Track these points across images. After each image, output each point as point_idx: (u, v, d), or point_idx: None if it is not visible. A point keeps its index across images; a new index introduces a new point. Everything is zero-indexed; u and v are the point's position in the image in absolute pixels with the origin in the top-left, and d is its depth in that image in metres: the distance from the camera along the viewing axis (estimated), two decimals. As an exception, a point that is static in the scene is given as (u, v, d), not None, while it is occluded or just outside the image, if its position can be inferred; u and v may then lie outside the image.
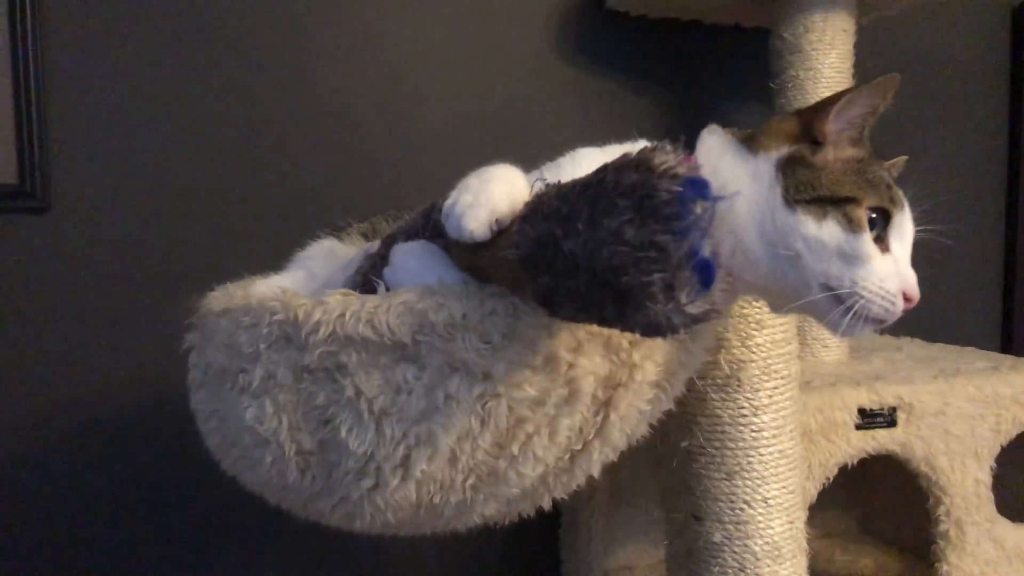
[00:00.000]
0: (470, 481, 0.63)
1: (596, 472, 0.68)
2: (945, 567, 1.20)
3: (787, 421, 0.83)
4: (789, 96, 1.28)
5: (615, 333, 0.61)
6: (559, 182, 0.53)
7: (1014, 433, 1.23)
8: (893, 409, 1.14)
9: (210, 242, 1.24)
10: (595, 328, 0.60)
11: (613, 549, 1.34)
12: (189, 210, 1.23)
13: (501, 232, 0.55)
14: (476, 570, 1.40)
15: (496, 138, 1.36)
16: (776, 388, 0.82)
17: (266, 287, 0.74)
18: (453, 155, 1.34)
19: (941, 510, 1.19)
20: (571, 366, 0.60)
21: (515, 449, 0.62)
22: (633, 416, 0.66)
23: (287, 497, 0.69)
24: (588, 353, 0.60)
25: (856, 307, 0.60)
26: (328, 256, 0.81)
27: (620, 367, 0.62)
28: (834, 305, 0.61)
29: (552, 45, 1.40)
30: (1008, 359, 1.32)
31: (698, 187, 0.44)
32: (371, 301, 0.59)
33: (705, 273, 0.44)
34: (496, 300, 0.58)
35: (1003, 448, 1.23)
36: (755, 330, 0.80)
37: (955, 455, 1.18)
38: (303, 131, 1.27)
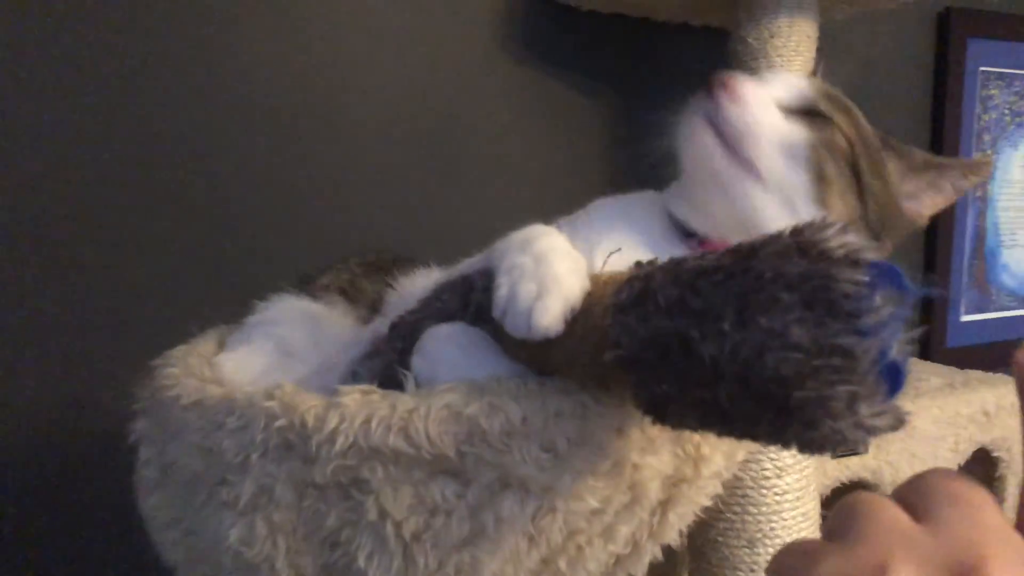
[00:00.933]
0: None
1: (641, 574, 0.59)
2: (907, 589, 1.18)
3: (809, 481, 0.76)
4: (751, 104, 1.22)
5: (688, 428, 0.52)
6: (659, 262, 0.43)
7: (970, 452, 1.22)
8: (864, 435, 1.11)
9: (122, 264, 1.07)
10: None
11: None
12: (90, 225, 1.06)
13: (575, 319, 0.45)
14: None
15: (441, 135, 1.25)
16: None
17: (236, 366, 0.60)
18: (397, 154, 1.22)
19: (905, 533, 1.17)
20: (637, 468, 0.50)
21: (563, 564, 0.52)
22: (691, 513, 0.57)
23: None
24: (658, 451, 0.51)
25: None
26: (304, 322, 0.66)
27: (685, 461, 0.53)
28: None
29: (499, 39, 1.29)
30: (958, 374, 1.32)
31: (890, 275, 0.35)
32: (403, 403, 0.47)
33: (895, 379, 0.36)
34: (562, 399, 0.47)
35: (959, 467, 1.22)
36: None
37: (920, 478, 1.16)
38: (231, 134, 1.11)
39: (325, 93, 1.16)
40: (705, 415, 0.39)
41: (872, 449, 1.12)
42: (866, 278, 0.35)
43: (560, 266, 0.46)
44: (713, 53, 1.44)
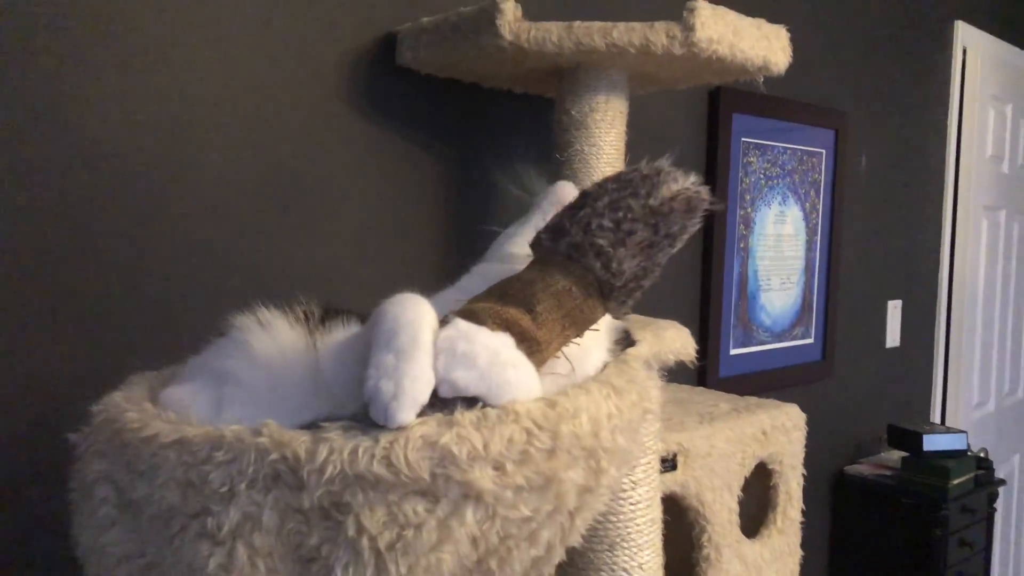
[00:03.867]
0: (440, 598, 0.62)
1: (550, 574, 0.70)
2: (706, 586, 1.38)
3: (655, 492, 0.91)
4: (575, 168, 1.39)
5: (600, 446, 0.64)
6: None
7: (753, 466, 1.45)
8: (675, 455, 1.30)
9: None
10: (587, 443, 0.62)
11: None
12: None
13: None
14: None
15: (287, 186, 1.30)
16: (648, 464, 0.90)
17: (183, 403, 0.65)
18: (244, 203, 1.25)
19: (704, 537, 1.37)
20: (561, 482, 0.62)
21: (494, 564, 0.63)
22: (591, 518, 0.69)
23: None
24: (576, 467, 0.63)
25: None
26: (247, 355, 0.70)
27: (592, 474, 0.65)
28: None
29: (346, 97, 1.37)
30: (740, 400, 1.56)
31: None
32: (384, 436, 0.55)
33: None
34: (513, 428, 0.58)
35: (745, 479, 1.45)
36: (633, 411, 0.88)
37: (716, 489, 1.37)
38: (79, 183, 1.09)
39: (174, 144, 1.17)
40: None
41: (680, 468, 1.31)
42: None
43: (415, 365, 0.57)
44: (538, 118, 1.62)
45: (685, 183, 0.66)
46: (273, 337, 0.68)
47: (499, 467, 0.58)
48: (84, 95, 1.09)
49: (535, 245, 0.67)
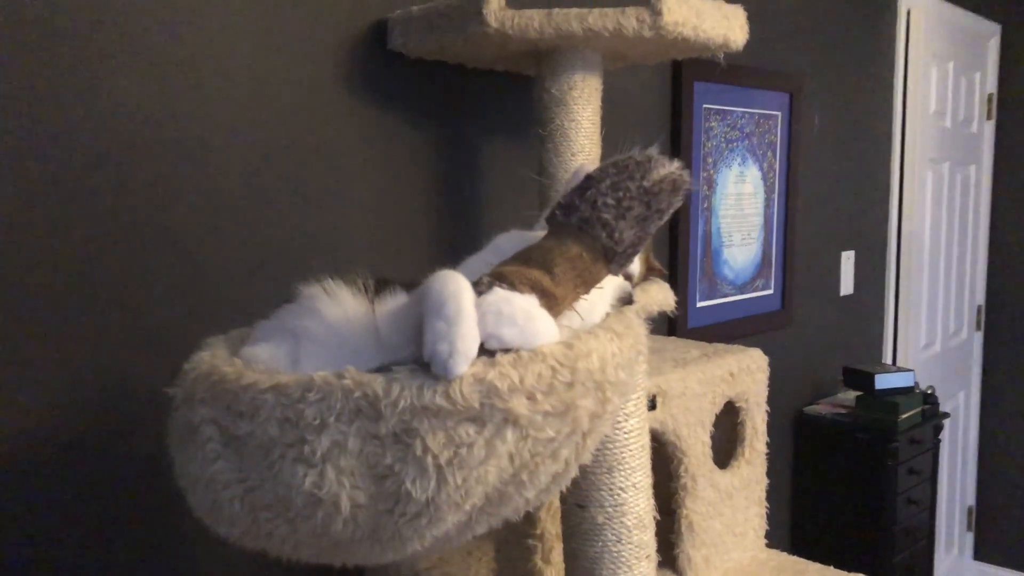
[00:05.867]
0: (480, 504, 0.77)
1: (565, 488, 0.86)
2: (684, 511, 1.56)
3: (644, 423, 1.07)
4: (556, 142, 1.52)
5: (606, 379, 0.79)
6: None
7: (722, 404, 1.63)
8: (654, 396, 1.46)
9: None
10: (597, 377, 0.78)
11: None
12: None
13: None
14: None
15: (285, 168, 1.40)
16: (638, 398, 1.06)
17: (266, 357, 0.79)
18: (240, 187, 1.35)
19: (682, 468, 1.54)
20: (577, 408, 0.77)
21: (525, 477, 0.78)
22: (599, 441, 0.85)
23: (312, 547, 0.77)
24: (588, 396, 0.78)
25: None
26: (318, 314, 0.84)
27: (599, 403, 0.81)
28: None
29: (338, 81, 1.49)
30: (708, 347, 1.73)
31: None
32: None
33: None
34: (540, 364, 0.73)
35: (716, 417, 1.62)
36: (624, 355, 1.03)
37: (691, 426, 1.54)
38: (100, 175, 1.19)
39: (176, 129, 1.27)
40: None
41: (659, 407, 1.47)
42: None
43: (463, 328, 0.71)
44: (519, 95, 1.75)
45: (671, 167, 0.81)
46: (338, 302, 0.82)
47: (531, 397, 0.73)
48: (91, 89, 1.18)
49: (550, 219, 0.82)
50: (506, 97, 1.75)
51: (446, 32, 1.45)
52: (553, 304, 0.77)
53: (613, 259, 0.79)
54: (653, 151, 0.83)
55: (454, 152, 1.67)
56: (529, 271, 0.76)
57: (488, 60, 1.62)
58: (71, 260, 1.17)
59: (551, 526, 1.28)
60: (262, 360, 0.81)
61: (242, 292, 1.35)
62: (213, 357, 0.81)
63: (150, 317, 1.25)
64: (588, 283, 0.79)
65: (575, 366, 0.75)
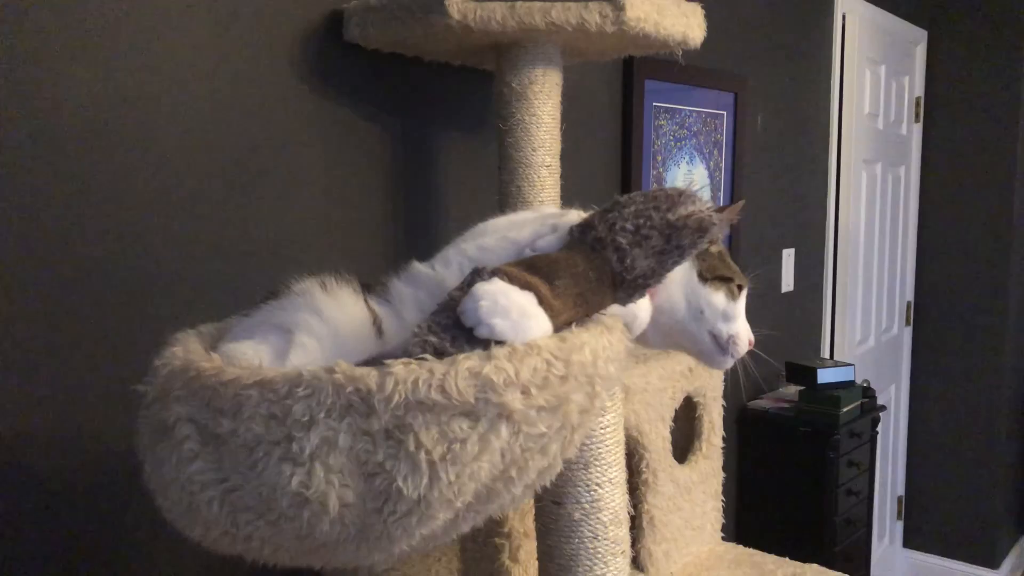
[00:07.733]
0: (470, 501, 0.76)
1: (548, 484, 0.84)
2: (645, 506, 1.56)
3: (619, 418, 1.07)
4: (516, 137, 1.51)
5: (597, 373, 0.78)
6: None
7: (681, 399, 1.64)
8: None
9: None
10: (589, 371, 0.76)
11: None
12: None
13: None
14: None
15: (240, 162, 1.36)
16: (614, 392, 1.05)
17: (249, 353, 0.76)
18: (195, 182, 1.30)
19: (643, 464, 1.55)
20: (569, 402, 0.76)
21: (514, 473, 0.76)
22: (585, 435, 0.84)
23: (293, 549, 0.74)
24: (580, 391, 0.77)
25: (731, 349, 0.88)
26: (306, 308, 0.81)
27: (588, 398, 0.80)
28: (716, 347, 0.89)
29: (293, 73, 1.44)
30: (666, 342, 1.74)
31: None
32: (438, 368, 0.68)
33: None
34: (535, 358, 0.71)
35: (675, 412, 1.63)
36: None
37: (652, 421, 1.55)
38: (45, 166, 1.13)
39: (130, 122, 1.22)
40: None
41: (623, 402, 1.47)
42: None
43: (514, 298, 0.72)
44: (477, 90, 1.73)
45: (700, 206, 0.79)
46: (334, 297, 0.79)
47: (526, 391, 0.71)
48: (38, 78, 1.12)
49: (568, 235, 0.81)
50: (464, 91, 1.73)
51: (406, 23, 1.42)
52: (548, 314, 0.76)
53: (621, 286, 0.78)
54: (691, 188, 0.82)
55: (412, 147, 1.64)
56: (530, 276, 0.74)
57: (447, 53, 1.60)
58: (22, 265, 1.11)
59: (518, 524, 1.26)
60: (246, 356, 0.77)
61: (192, 290, 1.30)
62: (187, 352, 0.77)
63: (96, 315, 1.19)
64: (591, 304, 0.78)
65: (569, 359, 0.74)
